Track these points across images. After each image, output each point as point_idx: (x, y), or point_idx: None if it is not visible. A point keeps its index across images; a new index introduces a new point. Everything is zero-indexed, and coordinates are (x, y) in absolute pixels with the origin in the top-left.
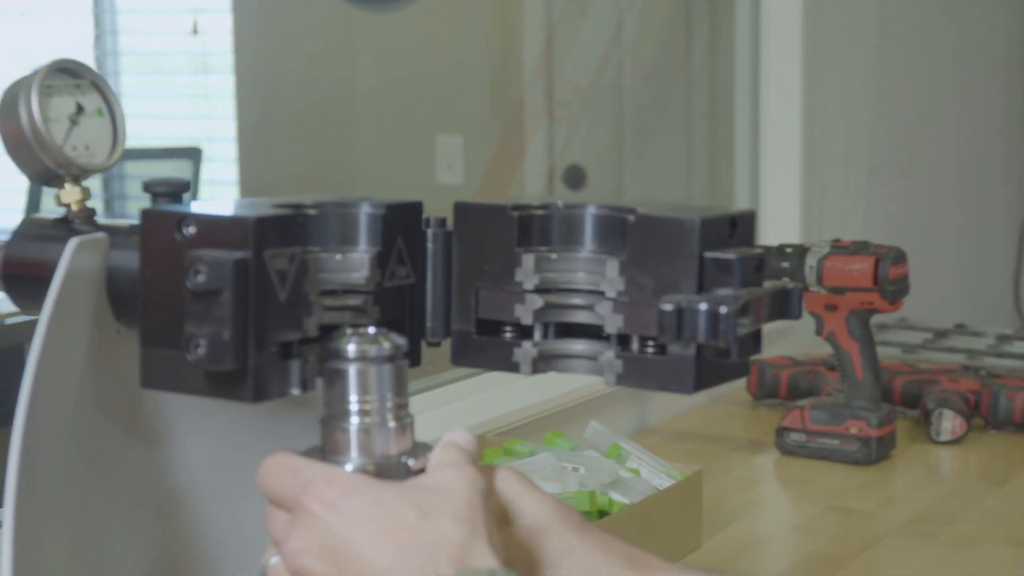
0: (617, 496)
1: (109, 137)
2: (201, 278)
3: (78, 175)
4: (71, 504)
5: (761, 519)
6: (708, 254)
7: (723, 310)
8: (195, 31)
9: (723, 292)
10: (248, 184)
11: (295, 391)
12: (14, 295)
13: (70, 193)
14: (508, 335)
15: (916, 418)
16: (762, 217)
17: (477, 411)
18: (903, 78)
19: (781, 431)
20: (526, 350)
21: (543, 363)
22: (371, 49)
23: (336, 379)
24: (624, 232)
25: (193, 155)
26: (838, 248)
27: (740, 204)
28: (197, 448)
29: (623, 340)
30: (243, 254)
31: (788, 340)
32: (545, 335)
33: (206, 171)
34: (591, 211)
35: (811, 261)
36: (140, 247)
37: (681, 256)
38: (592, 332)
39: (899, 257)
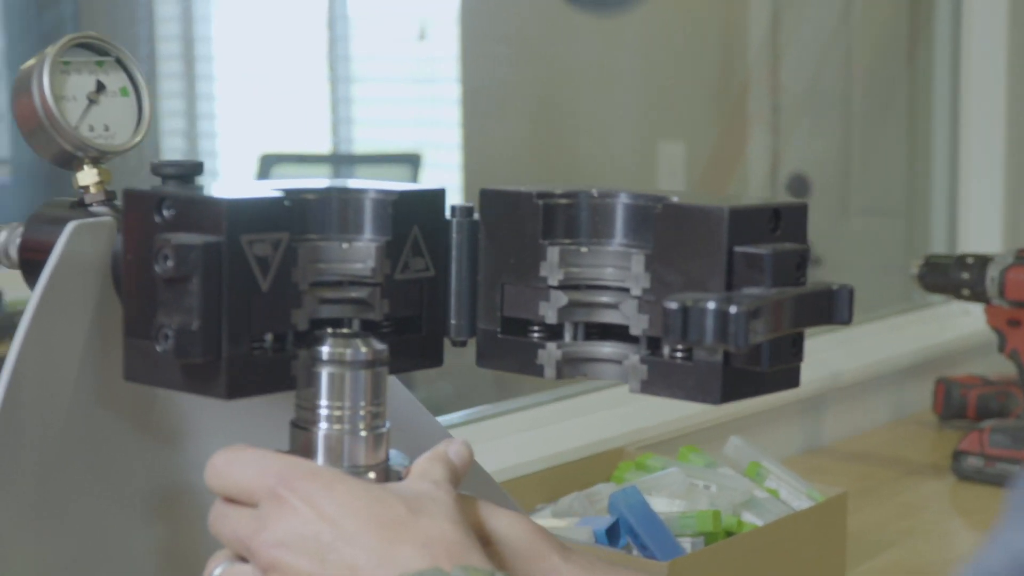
0: (749, 517)
1: (133, 117)
2: (169, 263)
3: (96, 157)
4: (68, 500)
5: (918, 549)
6: (738, 248)
7: (733, 310)
8: (422, 37)
9: (749, 291)
10: (472, 191)
11: (280, 389)
12: (29, 279)
13: (87, 175)
14: (535, 335)
15: None
16: (961, 225)
17: (626, 420)
18: None
19: (958, 455)
20: (550, 352)
21: (568, 367)
22: (595, 55)
23: (309, 381)
24: (653, 224)
25: (413, 161)
26: (1023, 258)
27: (937, 211)
28: (217, 448)
29: (655, 343)
30: (214, 238)
31: (985, 358)
32: (575, 336)
33: (430, 177)
34: (622, 200)
35: (992, 272)
36: (122, 230)
37: (708, 250)
38: (626, 333)
39: None
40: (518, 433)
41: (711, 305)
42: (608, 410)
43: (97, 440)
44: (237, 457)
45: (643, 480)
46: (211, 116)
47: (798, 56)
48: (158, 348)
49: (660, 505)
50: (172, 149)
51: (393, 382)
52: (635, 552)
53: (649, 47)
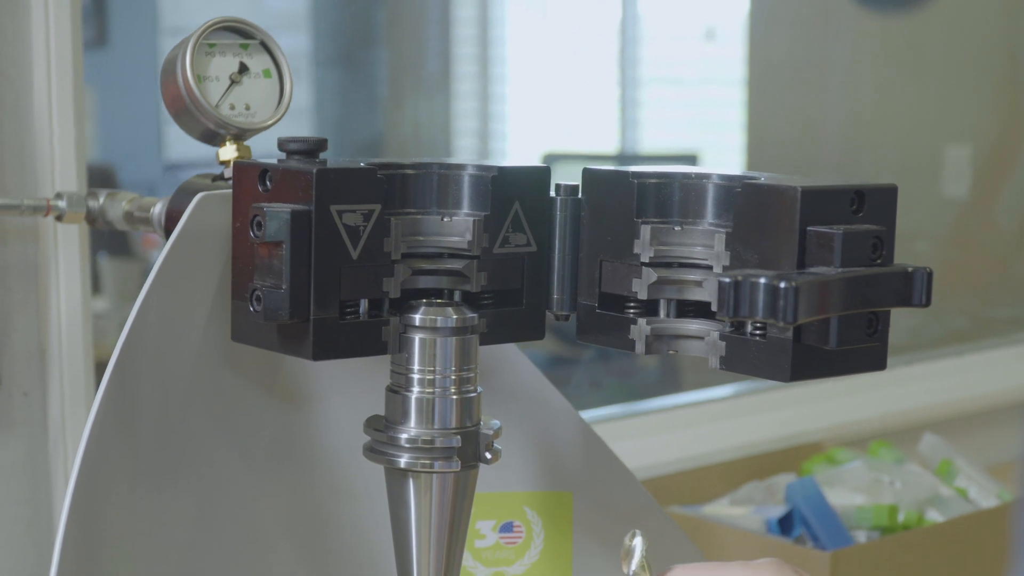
0: (933, 515)
1: (275, 97)
2: (262, 230)
3: (238, 134)
4: (190, 455)
5: None
6: (811, 228)
7: (783, 285)
8: (709, 37)
9: (816, 270)
10: None
11: (369, 353)
12: None
13: (227, 151)
14: (630, 311)
15: None
16: None
17: (828, 415)
18: None
19: None
20: (640, 328)
21: (658, 343)
22: (881, 55)
23: (403, 346)
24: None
25: (689, 162)
26: None
27: None
28: (341, 412)
29: (741, 321)
30: (304, 207)
31: None
32: (668, 312)
33: None
34: (713, 180)
35: None
36: (233, 200)
37: (782, 229)
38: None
39: None
40: (721, 421)
41: (762, 280)
42: (814, 404)
43: (221, 399)
44: None
45: (827, 473)
46: (503, 117)
47: None
48: (251, 309)
49: (839, 498)
50: (464, 148)
51: (516, 353)
52: (808, 544)
53: (937, 45)
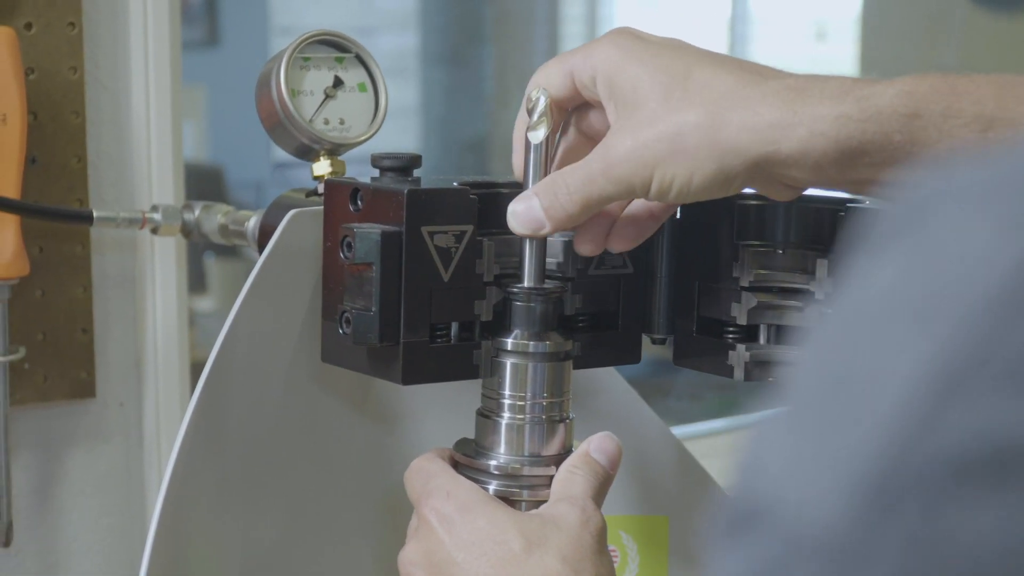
0: None
1: (369, 112)
2: (352, 252)
3: (331, 149)
4: (278, 475)
5: None
6: None
7: None
8: (820, 37)
9: None
10: None
11: (459, 377)
12: None
13: (321, 166)
14: (729, 336)
15: None
16: None
17: None
18: None
19: None
20: (739, 353)
21: (758, 369)
22: (995, 55)
23: (494, 371)
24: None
25: None
26: None
27: None
28: (432, 432)
29: None
30: (394, 228)
31: None
32: (769, 338)
33: None
34: (816, 204)
35: None
36: (324, 218)
37: None
38: None
39: None
40: None
41: None
42: None
43: (312, 418)
44: (416, 466)
45: None
46: None
47: None
48: (340, 332)
49: None
50: None
51: (612, 374)
52: None
53: None
